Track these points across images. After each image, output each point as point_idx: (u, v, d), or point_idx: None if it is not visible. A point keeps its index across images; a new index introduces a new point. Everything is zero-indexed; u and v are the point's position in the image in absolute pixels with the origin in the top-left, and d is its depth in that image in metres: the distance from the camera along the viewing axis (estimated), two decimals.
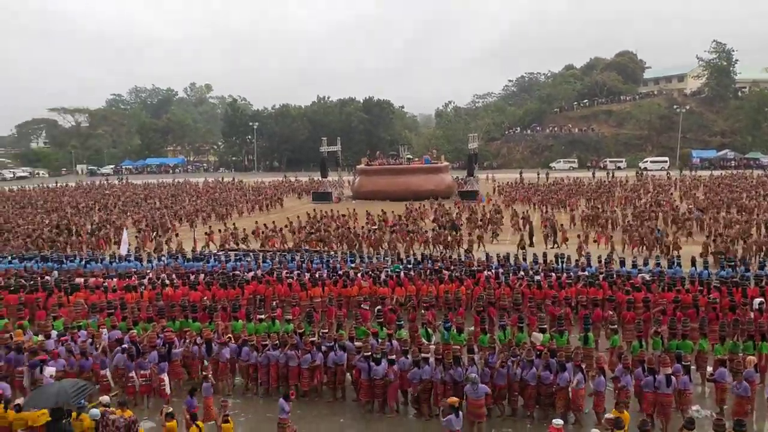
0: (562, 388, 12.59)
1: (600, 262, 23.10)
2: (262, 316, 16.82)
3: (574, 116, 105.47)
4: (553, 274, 20.91)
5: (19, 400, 11.88)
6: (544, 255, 24.16)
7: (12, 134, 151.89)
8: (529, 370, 12.95)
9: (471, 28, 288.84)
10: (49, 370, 13.51)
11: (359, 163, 61.49)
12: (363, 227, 34.21)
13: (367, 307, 18.42)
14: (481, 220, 35.62)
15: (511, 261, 23.70)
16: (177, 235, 35.23)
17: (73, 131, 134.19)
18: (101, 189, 67.09)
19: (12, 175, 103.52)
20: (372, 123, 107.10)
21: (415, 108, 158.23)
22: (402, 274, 21.38)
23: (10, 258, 27.29)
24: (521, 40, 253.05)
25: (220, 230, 33.37)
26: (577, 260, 23.46)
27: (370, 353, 13.50)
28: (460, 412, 11.27)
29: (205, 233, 32.85)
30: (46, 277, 22.67)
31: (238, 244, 31.58)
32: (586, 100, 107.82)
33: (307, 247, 29.47)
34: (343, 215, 38.50)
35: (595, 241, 29.19)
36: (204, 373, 13.46)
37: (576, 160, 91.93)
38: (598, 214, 35.80)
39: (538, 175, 69.48)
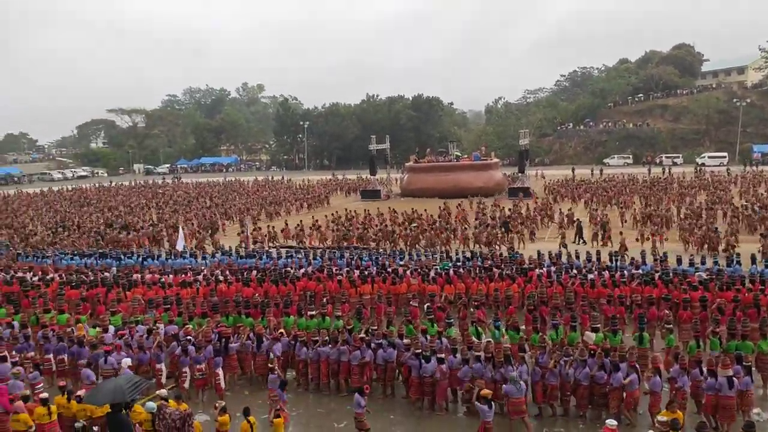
0: (616, 388, 12.33)
1: (655, 260, 22.50)
2: (313, 313, 17.02)
3: (629, 111, 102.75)
4: (607, 273, 20.46)
5: (80, 392, 12.33)
6: (598, 253, 23.66)
7: (73, 135, 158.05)
8: (582, 369, 12.73)
9: (522, 23, 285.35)
10: (126, 361, 14.01)
11: (408, 160, 61.49)
12: (401, 225, 34.23)
13: (416, 305, 18.43)
14: (525, 218, 35.14)
15: (564, 259, 23.30)
16: (224, 233, 35.91)
17: (130, 131, 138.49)
18: (153, 188, 68.84)
19: (72, 175, 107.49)
20: (421, 120, 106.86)
21: (465, 104, 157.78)
22: (451, 271, 21.29)
23: (71, 255, 28.37)
24: (574, 34, 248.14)
25: (268, 227, 33.96)
26: (632, 258, 22.88)
27: (419, 351, 13.51)
28: (493, 404, 11.44)
29: (251, 231, 33.45)
30: (105, 274, 23.47)
31: (273, 243, 32.06)
32: (641, 95, 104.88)
33: (356, 245, 29.66)
34: (381, 213, 38.41)
35: (648, 240, 28.39)
36: (270, 365, 13.67)
37: (631, 156, 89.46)
38: (653, 212, 34.81)
39: (592, 171, 68.00)
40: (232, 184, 69.80)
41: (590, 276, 19.79)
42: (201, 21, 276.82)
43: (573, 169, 69.01)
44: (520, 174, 54.44)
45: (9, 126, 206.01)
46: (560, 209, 37.39)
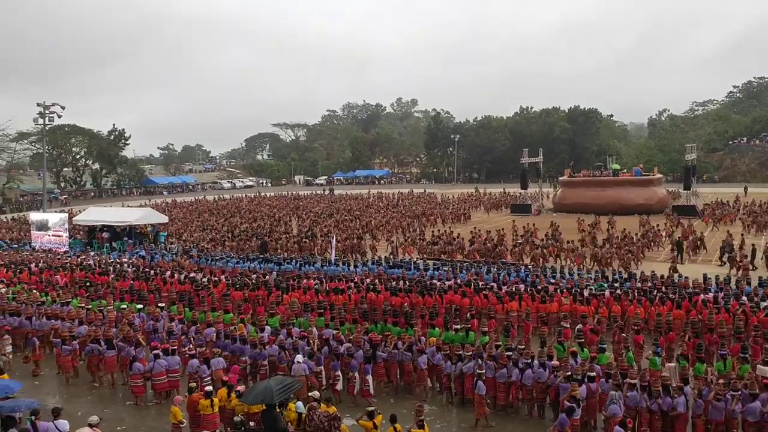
0: None
1: None
2: (458, 327, 16.98)
3: None
4: None
5: (240, 387, 13.22)
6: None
7: (242, 147, 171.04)
8: (752, 405, 11.54)
9: (697, 31, 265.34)
10: (298, 357, 14.94)
11: (562, 174, 59.60)
12: (514, 240, 33.41)
13: (568, 326, 17.75)
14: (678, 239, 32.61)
15: (732, 284, 21.35)
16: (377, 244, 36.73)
17: (292, 144, 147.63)
18: (298, 200, 71.14)
19: (242, 184, 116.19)
20: (576, 133, 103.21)
21: (626, 116, 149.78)
22: (607, 292, 20.28)
23: (237, 258, 30.61)
24: (749, 43, 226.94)
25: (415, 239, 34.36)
26: None
27: (569, 373, 13.00)
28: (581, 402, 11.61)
29: (400, 243, 34.04)
30: (267, 277, 25.02)
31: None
32: None
33: (504, 260, 29.23)
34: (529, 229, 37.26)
35: None
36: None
37: None
38: None
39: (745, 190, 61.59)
40: (374, 197, 70.59)
41: (763, 304, 17.96)
42: (365, 38, 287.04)
43: (745, 188, 63.12)
44: (685, 191, 50.74)
45: (187, 138, 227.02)
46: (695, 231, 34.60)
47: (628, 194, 50.22)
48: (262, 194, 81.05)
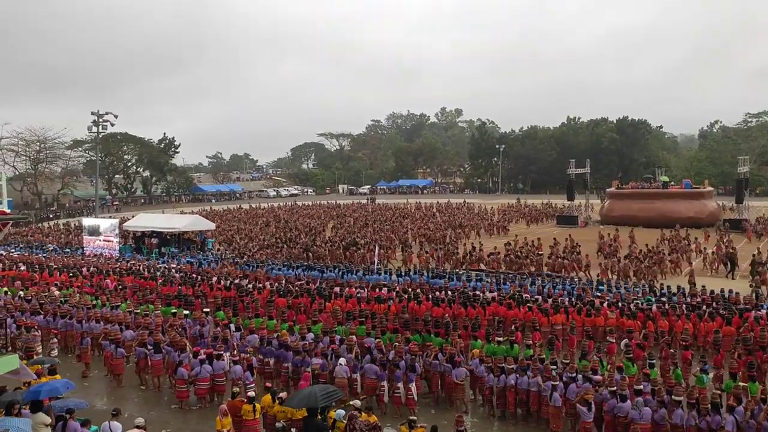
0: None
1: None
2: (501, 339, 16.83)
3: None
4: None
5: (282, 394, 13.38)
6: None
7: (287, 156, 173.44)
8: None
9: (741, 45, 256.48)
10: (342, 360, 15.24)
11: (609, 185, 58.60)
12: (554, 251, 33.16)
13: (613, 340, 17.41)
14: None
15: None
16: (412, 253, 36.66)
17: (337, 154, 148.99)
18: (336, 209, 71.14)
19: (287, 192, 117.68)
20: (625, 144, 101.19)
21: (676, 128, 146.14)
22: (654, 307, 19.83)
23: (281, 266, 31.01)
24: None
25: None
26: None
27: (615, 388, 12.74)
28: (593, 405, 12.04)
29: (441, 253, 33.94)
30: (310, 285, 25.27)
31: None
32: None
33: (548, 272, 28.90)
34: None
35: None
36: None
37: None
38: None
39: None
40: (411, 207, 70.07)
41: None
42: (414, 49, 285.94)
43: None
44: (738, 204, 49.25)
45: (235, 147, 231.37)
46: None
47: (677, 207, 49.07)
48: (299, 203, 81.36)
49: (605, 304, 20.53)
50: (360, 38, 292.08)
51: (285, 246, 38.84)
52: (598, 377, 13.52)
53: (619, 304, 20.65)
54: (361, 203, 79.76)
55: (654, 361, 15.04)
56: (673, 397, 12.29)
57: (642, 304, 20.62)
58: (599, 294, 22.72)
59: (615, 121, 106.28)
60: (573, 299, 21.64)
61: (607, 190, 58.59)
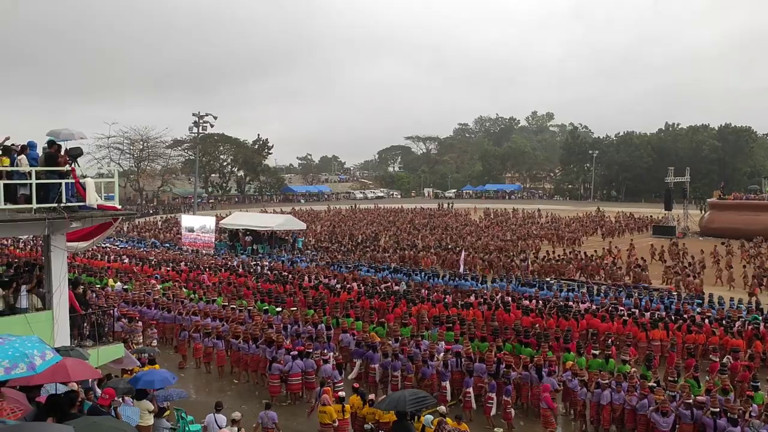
0: None
1: None
2: (596, 352, 16.25)
3: None
4: None
5: (372, 396, 13.46)
6: None
7: (374, 159, 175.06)
8: None
9: None
10: (432, 364, 15.32)
11: (710, 195, 55.58)
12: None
13: (716, 359, 16.45)
14: None
15: None
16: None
17: (423, 157, 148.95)
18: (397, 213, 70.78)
19: (373, 195, 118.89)
20: (727, 152, 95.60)
21: None
22: (762, 326, 18.60)
23: (367, 267, 31.32)
24: None
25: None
26: None
27: (716, 410, 12.05)
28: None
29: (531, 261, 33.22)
30: (396, 287, 25.35)
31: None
32: None
33: (646, 284, 27.73)
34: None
35: None
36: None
37: None
38: None
39: None
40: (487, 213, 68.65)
41: None
42: (508, 54, 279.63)
43: None
44: None
45: (325, 149, 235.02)
46: None
47: None
48: (358, 206, 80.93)
49: (706, 321, 19.47)
50: (454, 42, 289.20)
51: (370, 249, 39.27)
52: (702, 398, 12.77)
53: (723, 321, 19.53)
54: (433, 208, 77.96)
55: (758, 383, 14.12)
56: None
57: (749, 322, 19.40)
58: (699, 309, 21.56)
59: (716, 128, 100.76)
60: (671, 314, 20.63)
61: (708, 200, 55.64)
